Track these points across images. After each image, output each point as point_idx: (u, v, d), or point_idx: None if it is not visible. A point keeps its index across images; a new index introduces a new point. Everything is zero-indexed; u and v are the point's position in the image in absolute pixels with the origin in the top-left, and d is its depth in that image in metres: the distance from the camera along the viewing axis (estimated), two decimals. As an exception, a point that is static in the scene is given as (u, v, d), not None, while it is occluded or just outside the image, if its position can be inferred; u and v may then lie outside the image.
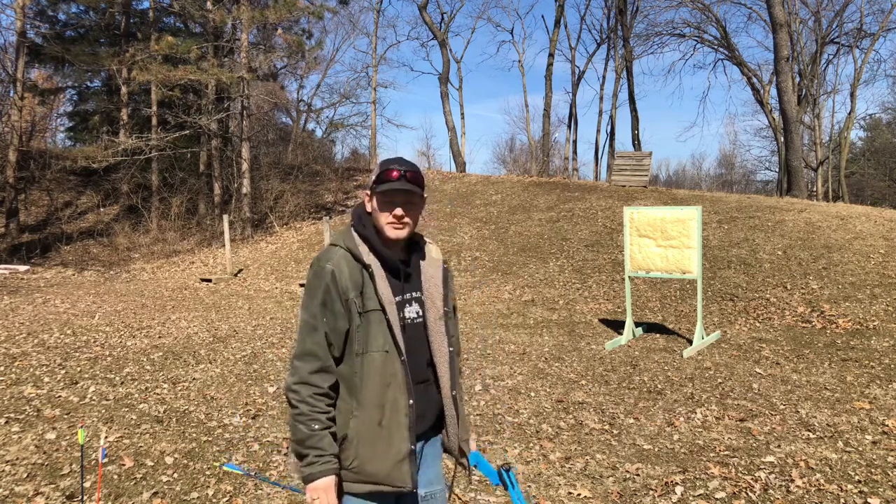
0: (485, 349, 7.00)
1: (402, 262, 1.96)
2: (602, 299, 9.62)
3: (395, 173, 1.90)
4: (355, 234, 1.95)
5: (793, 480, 3.68)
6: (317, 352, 1.86)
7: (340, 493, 1.88)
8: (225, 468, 2.47)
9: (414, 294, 1.97)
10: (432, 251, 2.07)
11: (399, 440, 1.86)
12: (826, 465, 3.89)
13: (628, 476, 3.83)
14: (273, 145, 25.24)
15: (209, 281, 12.97)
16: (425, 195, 2.00)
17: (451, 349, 2.00)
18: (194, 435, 4.50)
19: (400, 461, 1.86)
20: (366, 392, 1.85)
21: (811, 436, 4.38)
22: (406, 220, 1.92)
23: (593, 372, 6.15)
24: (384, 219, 1.91)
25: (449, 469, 2.17)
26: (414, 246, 2.04)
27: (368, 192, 1.96)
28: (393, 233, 1.92)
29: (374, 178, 1.94)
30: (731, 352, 6.82)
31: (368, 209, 1.96)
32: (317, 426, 1.83)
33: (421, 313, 1.98)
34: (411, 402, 1.88)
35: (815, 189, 27.89)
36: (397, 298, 1.92)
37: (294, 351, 1.91)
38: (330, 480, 1.83)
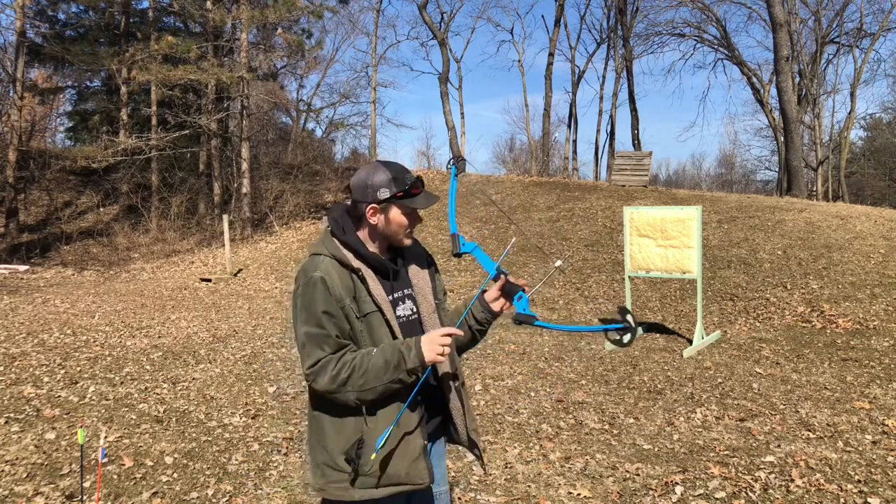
0: (485, 349, 7.00)
1: (390, 261, 1.95)
2: (602, 299, 9.61)
3: (419, 187, 1.89)
4: (336, 241, 1.90)
5: (793, 480, 3.68)
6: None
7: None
8: None
9: (405, 291, 1.97)
10: (414, 247, 2.03)
11: (413, 437, 1.86)
12: (826, 465, 3.89)
13: (628, 476, 3.83)
14: (273, 145, 25.21)
15: (209, 281, 12.96)
16: None
17: None
18: (194, 435, 4.50)
19: (416, 459, 1.86)
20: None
21: (811, 436, 4.38)
22: None
23: (593, 372, 6.15)
24: (403, 230, 1.90)
25: (449, 469, 2.14)
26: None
27: (376, 206, 1.87)
28: (408, 240, 1.94)
29: (388, 191, 1.84)
30: (731, 352, 6.82)
31: (374, 222, 1.89)
32: (372, 351, 1.80)
33: (415, 309, 1.97)
34: (419, 398, 1.88)
35: (815, 189, 27.86)
36: (389, 298, 1.90)
37: (306, 365, 1.82)
38: (418, 338, 1.81)
